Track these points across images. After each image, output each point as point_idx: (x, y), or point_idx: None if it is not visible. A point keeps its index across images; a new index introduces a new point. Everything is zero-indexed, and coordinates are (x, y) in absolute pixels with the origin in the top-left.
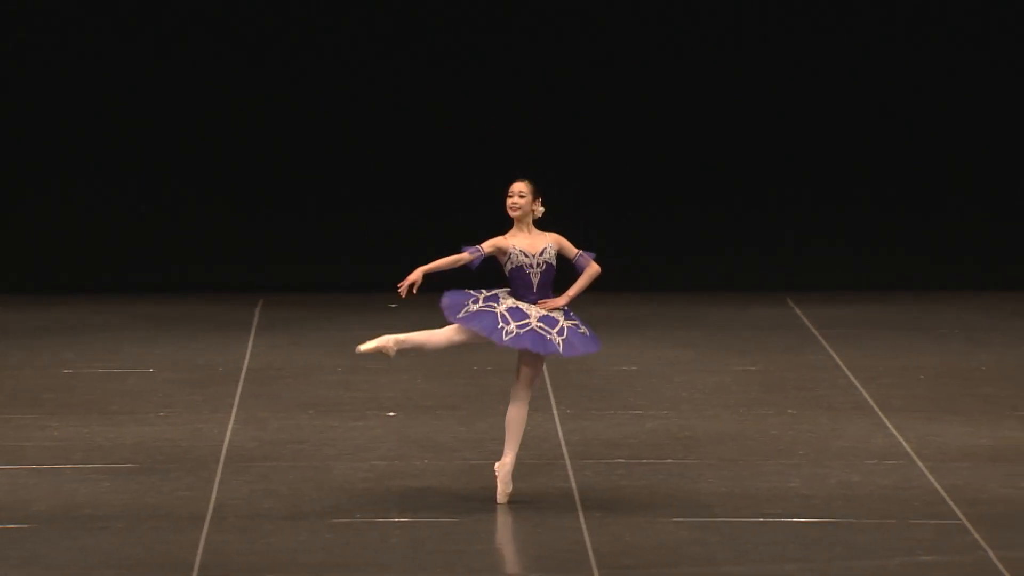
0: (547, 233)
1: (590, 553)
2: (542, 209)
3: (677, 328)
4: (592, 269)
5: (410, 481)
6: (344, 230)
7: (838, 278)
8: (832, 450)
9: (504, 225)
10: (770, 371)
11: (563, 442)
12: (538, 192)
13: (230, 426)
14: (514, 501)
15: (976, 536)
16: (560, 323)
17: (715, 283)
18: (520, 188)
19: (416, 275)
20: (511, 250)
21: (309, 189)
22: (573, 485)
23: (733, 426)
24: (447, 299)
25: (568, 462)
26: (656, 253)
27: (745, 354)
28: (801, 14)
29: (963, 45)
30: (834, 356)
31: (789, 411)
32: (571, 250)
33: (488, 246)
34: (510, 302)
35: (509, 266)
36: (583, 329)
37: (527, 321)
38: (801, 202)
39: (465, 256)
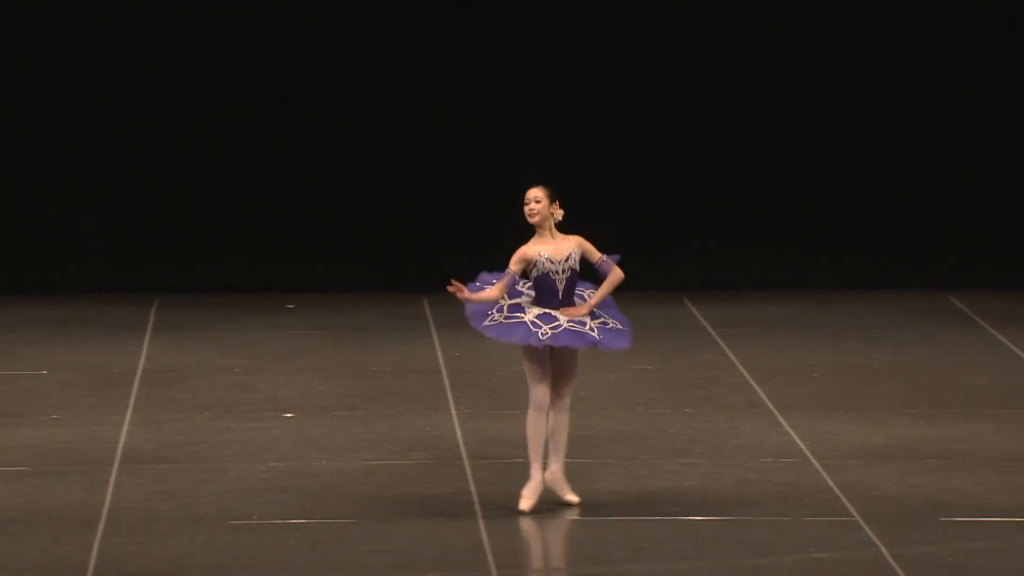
0: (570, 237)
1: (488, 553)
2: (561, 212)
3: None
4: (615, 275)
5: (308, 482)
6: (240, 230)
7: (735, 277)
8: (728, 448)
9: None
10: (667, 370)
11: (461, 442)
12: (554, 195)
13: (125, 428)
14: (412, 501)
15: (869, 533)
16: (588, 324)
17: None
18: (535, 194)
19: (465, 295)
20: (537, 258)
21: (204, 188)
22: (471, 485)
23: (630, 425)
24: (469, 307)
25: (466, 462)
26: None
27: (642, 353)
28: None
29: (835, 43)
30: (730, 355)
31: (686, 410)
32: (594, 254)
33: (515, 264)
34: (536, 310)
35: (535, 273)
36: (611, 324)
37: (558, 323)
38: (698, 202)
39: (497, 291)
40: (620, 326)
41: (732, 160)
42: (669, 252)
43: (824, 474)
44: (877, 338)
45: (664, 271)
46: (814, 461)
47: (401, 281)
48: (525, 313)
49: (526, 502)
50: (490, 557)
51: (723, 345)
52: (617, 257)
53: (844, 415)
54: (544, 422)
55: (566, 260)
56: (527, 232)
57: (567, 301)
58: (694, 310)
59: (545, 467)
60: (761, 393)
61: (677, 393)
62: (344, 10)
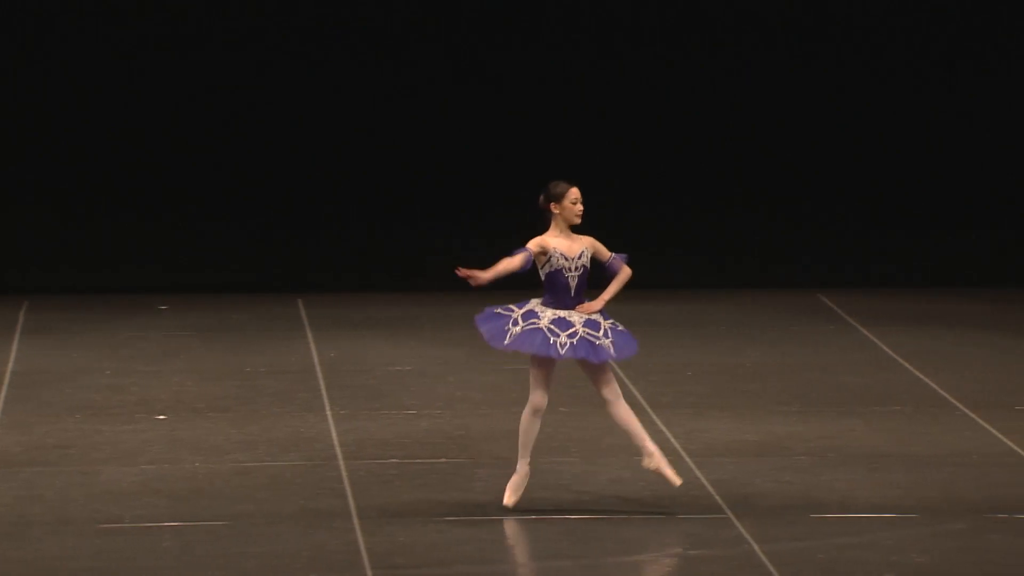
0: (583, 236)
1: (363, 554)
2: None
3: (451, 328)
4: (624, 273)
5: (181, 484)
6: (111, 232)
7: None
8: (603, 447)
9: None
10: None
11: (336, 443)
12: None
13: None
14: (286, 503)
15: (741, 530)
16: (602, 325)
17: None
18: (579, 194)
19: (478, 278)
20: (552, 252)
21: (75, 191)
22: (347, 486)
23: (507, 425)
24: (484, 328)
25: (342, 463)
26: (433, 253)
27: (519, 353)
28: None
29: (724, 41)
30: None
31: (561, 409)
32: (604, 253)
33: (534, 246)
34: (549, 313)
35: (548, 268)
36: (621, 327)
37: (574, 329)
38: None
39: (516, 262)
40: (626, 330)
41: (608, 161)
42: None
43: (697, 472)
44: (750, 336)
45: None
46: (687, 459)
47: (273, 281)
48: (540, 318)
49: (509, 497)
50: (365, 558)
51: None
52: (626, 256)
53: (717, 413)
54: (538, 424)
55: (579, 258)
56: (399, 233)
57: (578, 299)
58: None
59: (526, 465)
60: (635, 391)
61: (552, 392)
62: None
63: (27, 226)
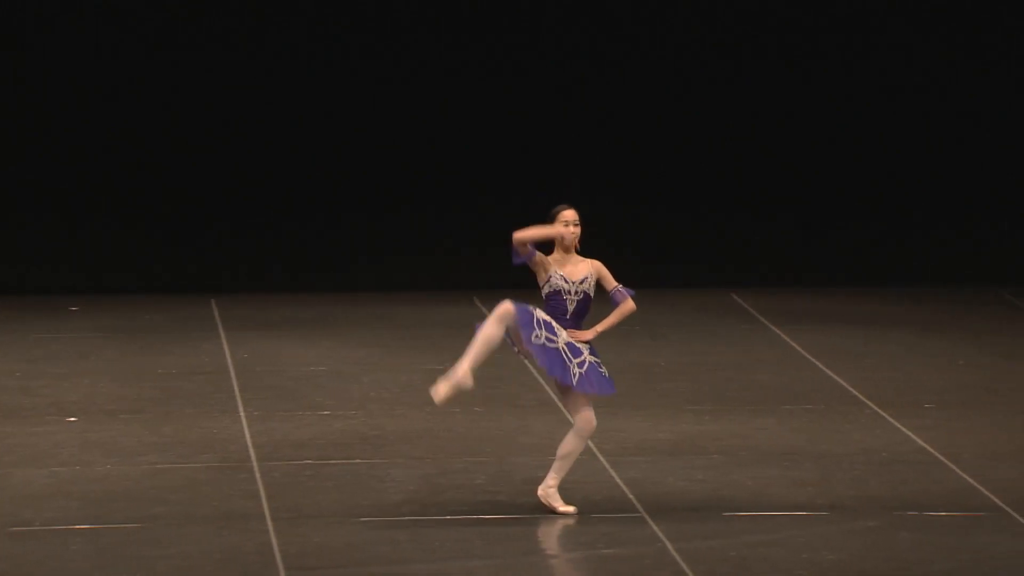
0: (589, 260)
1: (277, 555)
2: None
3: (365, 328)
4: (627, 306)
5: (93, 487)
6: (22, 232)
7: (519, 278)
8: (518, 447)
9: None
10: None
11: (250, 444)
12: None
13: None
14: (199, 505)
15: (655, 529)
16: (584, 356)
17: (403, 283)
18: (574, 216)
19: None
20: (552, 272)
21: None
22: (260, 487)
23: (421, 425)
24: (519, 313)
25: (255, 464)
26: (347, 254)
27: (432, 353)
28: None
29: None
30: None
31: (476, 409)
32: (610, 282)
33: (539, 257)
34: (564, 334)
35: (547, 289)
36: (604, 369)
37: (583, 358)
38: (488, 200)
39: (526, 250)
40: (606, 373)
41: (536, 158)
42: (458, 252)
43: (611, 471)
44: (663, 336)
45: (452, 271)
46: (601, 458)
47: (186, 282)
48: (557, 337)
49: (441, 389)
50: (279, 559)
51: (511, 345)
52: (632, 291)
53: (631, 412)
54: (500, 335)
55: (581, 283)
56: (310, 233)
57: (574, 324)
58: (484, 309)
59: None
60: (549, 391)
61: (467, 393)
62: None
63: None
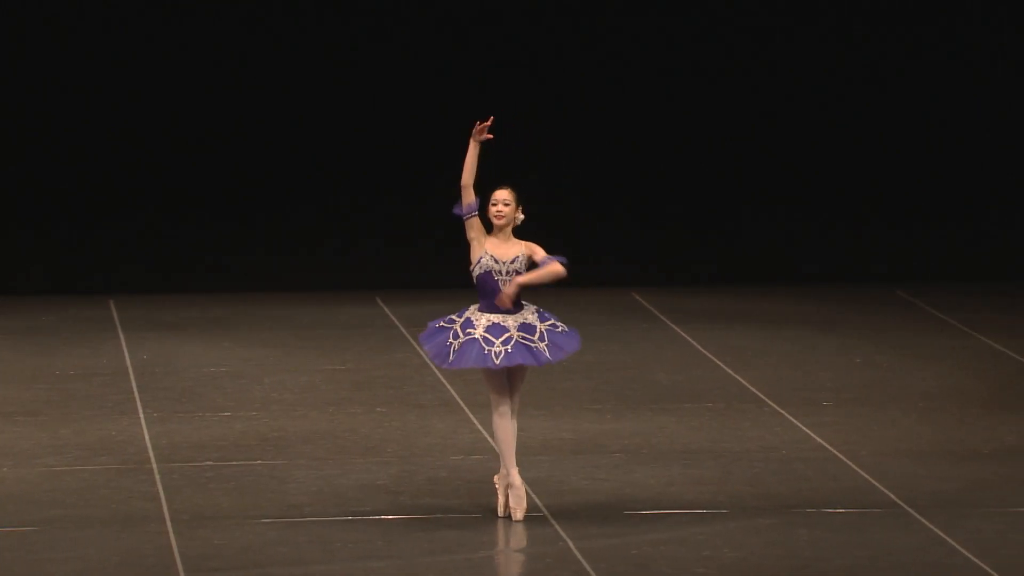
0: (522, 241)
1: (177, 558)
2: (522, 216)
3: (266, 328)
4: (553, 266)
5: None
6: None
7: (421, 277)
8: (420, 447)
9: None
10: (360, 370)
11: (150, 446)
12: (520, 199)
13: None
14: (98, 507)
15: (557, 528)
16: (538, 327)
17: (303, 283)
18: (504, 196)
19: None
20: (483, 253)
21: None
22: (160, 489)
23: (323, 425)
24: (428, 347)
25: (155, 466)
26: (246, 253)
27: (334, 353)
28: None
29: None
30: (423, 354)
31: (378, 409)
32: (539, 253)
33: (476, 225)
34: (484, 320)
35: (477, 271)
36: (560, 327)
37: (509, 335)
38: (391, 201)
39: (470, 198)
40: (567, 328)
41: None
42: (361, 250)
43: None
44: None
45: (358, 269)
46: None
47: (83, 283)
48: (475, 327)
49: (517, 512)
50: (179, 562)
51: (414, 344)
52: (564, 259)
53: (532, 411)
54: (511, 426)
55: (512, 262)
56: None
57: (514, 305)
58: (386, 309)
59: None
60: (452, 391)
61: (369, 393)
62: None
63: None
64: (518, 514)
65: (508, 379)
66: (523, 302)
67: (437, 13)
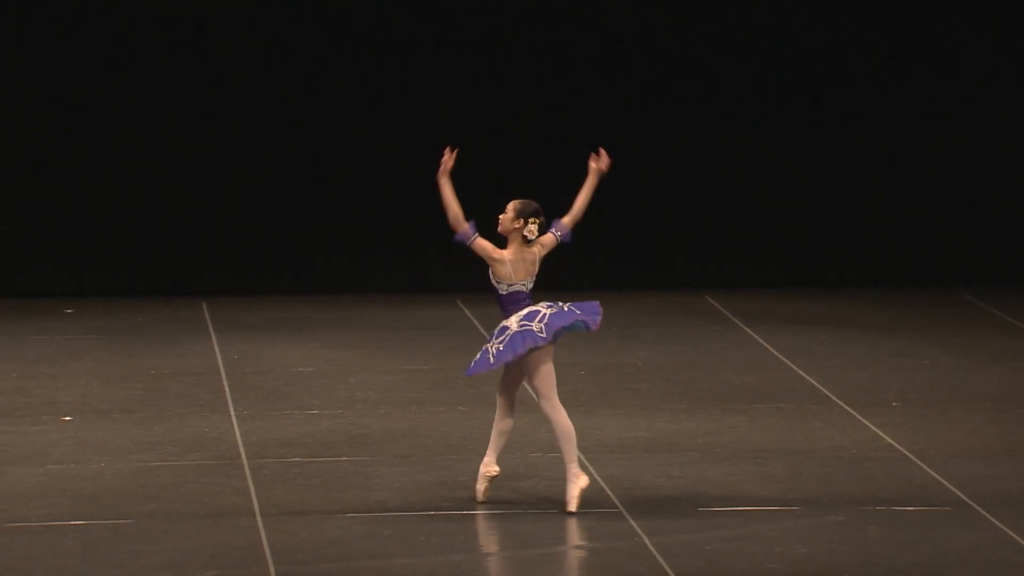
0: (535, 247)
1: (266, 550)
2: (534, 230)
3: (350, 330)
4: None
5: (86, 484)
6: (16, 236)
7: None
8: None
9: None
10: (440, 370)
11: (240, 442)
12: (526, 212)
13: None
14: (190, 502)
15: (632, 523)
16: (542, 312)
17: (385, 284)
18: (509, 206)
19: (449, 166)
20: (504, 275)
21: None
22: (250, 484)
23: (405, 423)
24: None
25: (245, 462)
26: (327, 254)
27: (415, 354)
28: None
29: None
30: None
31: (459, 408)
32: (552, 240)
33: (480, 244)
34: (508, 323)
35: (503, 290)
36: (567, 307)
37: (508, 333)
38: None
39: (464, 226)
40: (576, 308)
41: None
42: (440, 254)
43: (590, 467)
44: (638, 337)
45: (437, 275)
46: (581, 455)
47: (177, 284)
48: (491, 341)
49: (573, 503)
50: (268, 554)
51: None
52: (564, 228)
53: (609, 411)
54: (506, 422)
55: (533, 277)
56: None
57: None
58: (465, 310)
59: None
60: (529, 390)
61: (449, 392)
62: None
63: None
64: (570, 505)
65: (516, 373)
66: (528, 303)
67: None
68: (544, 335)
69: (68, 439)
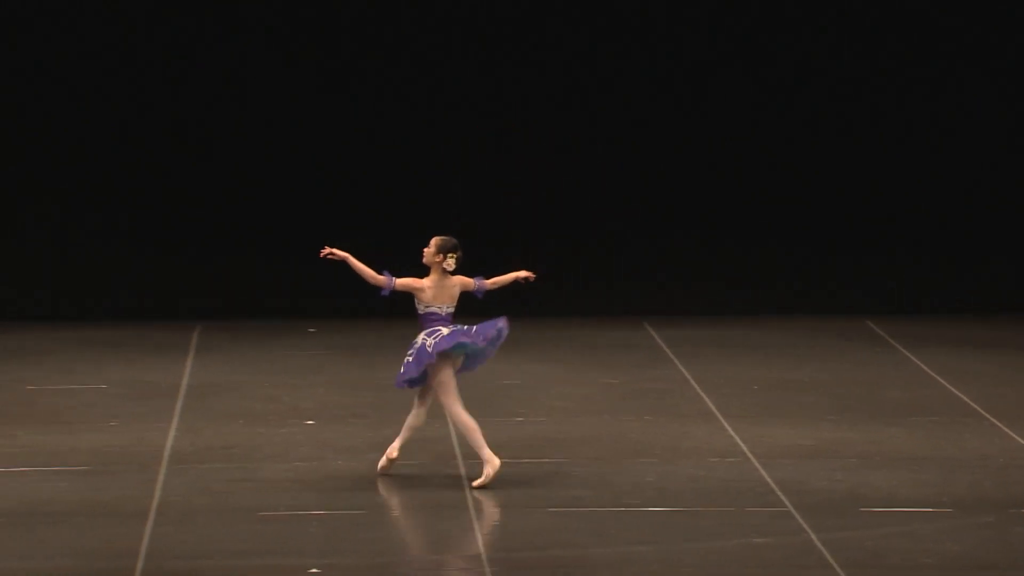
0: (455, 279)
1: (478, 539)
2: (451, 263)
3: (551, 347)
4: (502, 278)
5: (326, 479)
6: (278, 264)
7: (687, 305)
8: (681, 450)
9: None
10: (629, 383)
11: (455, 444)
12: (445, 248)
13: (171, 433)
14: (413, 495)
15: (800, 521)
16: (440, 332)
17: (580, 307)
18: (431, 241)
19: (341, 255)
20: (426, 299)
21: (243, 236)
22: (464, 481)
23: (599, 430)
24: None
25: (460, 461)
26: (556, 279)
27: (607, 369)
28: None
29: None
30: (683, 370)
31: (646, 417)
32: (471, 285)
33: (401, 283)
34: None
35: (420, 310)
36: (468, 328)
37: (415, 347)
38: (648, 236)
39: (381, 279)
40: (473, 328)
41: (689, 199)
42: (629, 280)
43: (762, 471)
44: (804, 356)
45: (624, 298)
46: (753, 460)
47: (403, 306)
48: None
49: (482, 480)
50: (480, 542)
51: (677, 363)
52: (483, 286)
53: (778, 421)
54: (419, 419)
55: (453, 303)
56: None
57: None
58: (652, 332)
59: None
60: (709, 403)
61: (637, 403)
62: None
63: (196, 261)
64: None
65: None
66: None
67: None
68: (431, 353)
69: (311, 440)
